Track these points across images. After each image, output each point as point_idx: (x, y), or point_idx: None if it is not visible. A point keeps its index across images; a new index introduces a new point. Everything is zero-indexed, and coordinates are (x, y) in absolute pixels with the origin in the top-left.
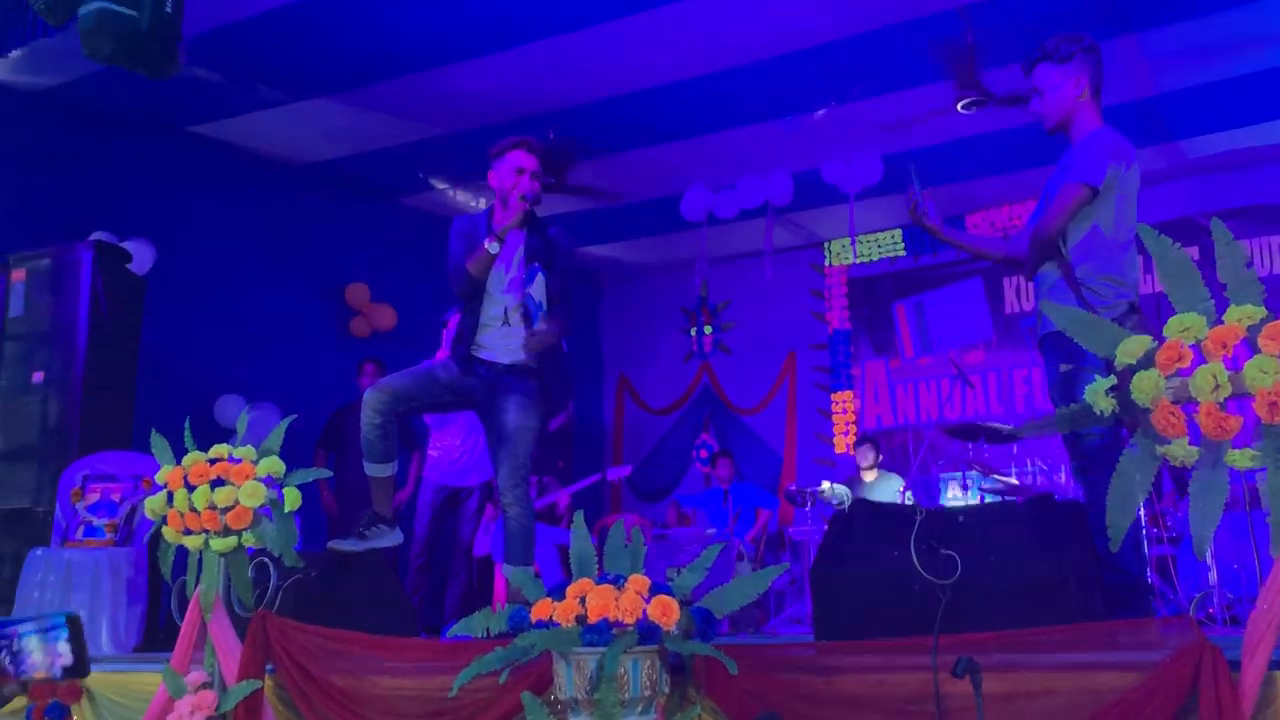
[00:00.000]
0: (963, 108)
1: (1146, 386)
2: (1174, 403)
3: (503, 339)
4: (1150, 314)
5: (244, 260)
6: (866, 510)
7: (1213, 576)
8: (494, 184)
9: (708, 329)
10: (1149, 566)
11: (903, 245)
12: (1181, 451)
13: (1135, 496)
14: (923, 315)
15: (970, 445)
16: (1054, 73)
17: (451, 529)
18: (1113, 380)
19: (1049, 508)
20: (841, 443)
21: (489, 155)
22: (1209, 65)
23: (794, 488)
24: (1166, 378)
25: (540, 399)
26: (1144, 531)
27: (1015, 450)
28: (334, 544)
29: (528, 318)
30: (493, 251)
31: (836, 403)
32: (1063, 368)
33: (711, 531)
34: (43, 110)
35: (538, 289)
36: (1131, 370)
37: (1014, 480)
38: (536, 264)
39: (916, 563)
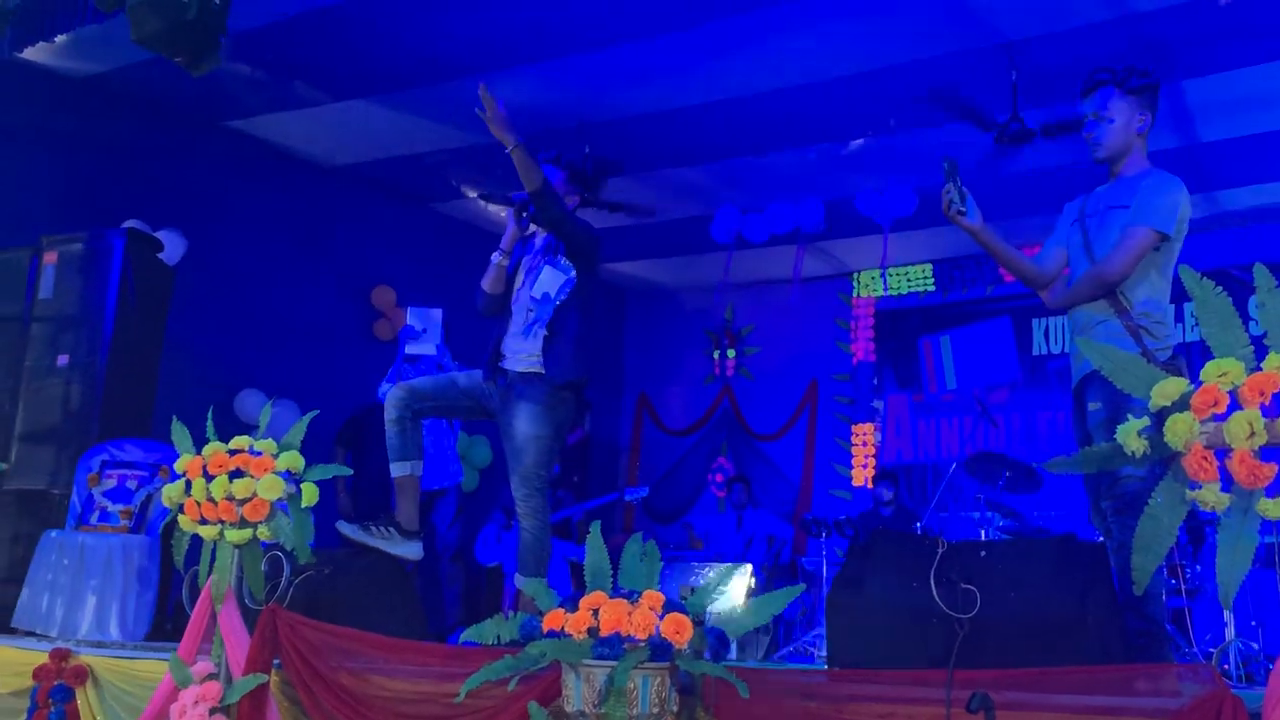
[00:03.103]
0: (1000, 143)
1: (1180, 429)
2: (1207, 447)
3: (520, 345)
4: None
5: (273, 256)
6: (886, 540)
7: (1230, 631)
8: None
9: (730, 352)
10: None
11: (932, 280)
12: (1212, 497)
13: (1163, 540)
14: (949, 352)
15: (990, 485)
16: (1121, 101)
17: (432, 531)
18: (1145, 421)
19: (1071, 547)
20: (859, 475)
21: None
22: (1251, 117)
23: (809, 517)
24: (1201, 422)
25: (550, 407)
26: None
27: (1037, 493)
28: (340, 524)
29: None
30: (496, 262)
31: (857, 434)
32: (1092, 405)
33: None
34: (84, 96)
35: (540, 284)
36: (1166, 412)
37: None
38: (545, 259)
39: (936, 595)
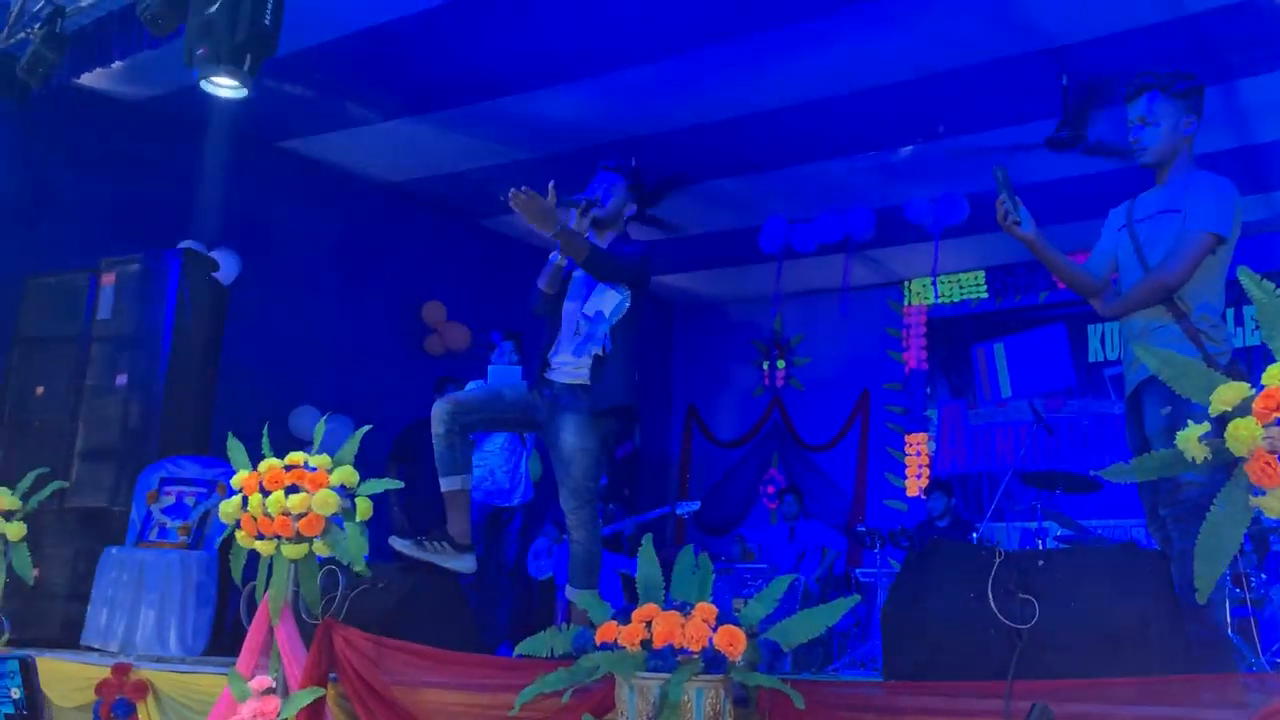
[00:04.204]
0: (1050, 146)
1: (1243, 435)
2: (1270, 453)
3: (568, 358)
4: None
5: (325, 274)
6: (943, 550)
7: None
8: None
9: (780, 363)
10: (1230, 628)
11: (985, 288)
12: (1276, 504)
13: (1226, 548)
14: (1003, 359)
15: (1047, 494)
16: (1167, 105)
17: (496, 548)
18: (1206, 426)
19: (1131, 556)
20: (913, 485)
21: None
22: None
23: (863, 528)
24: (1264, 426)
25: (596, 419)
26: (1226, 589)
27: (1094, 501)
28: (393, 539)
29: (581, 334)
30: (554, 262)
31: (910, 444)
32: (1163, 410)
33: (788, 579)
34: (140, 120)
35: (594, 303)
36: (1227, 417)
37: (1091, 530)
38: (606, 282)
39: (993, 605)
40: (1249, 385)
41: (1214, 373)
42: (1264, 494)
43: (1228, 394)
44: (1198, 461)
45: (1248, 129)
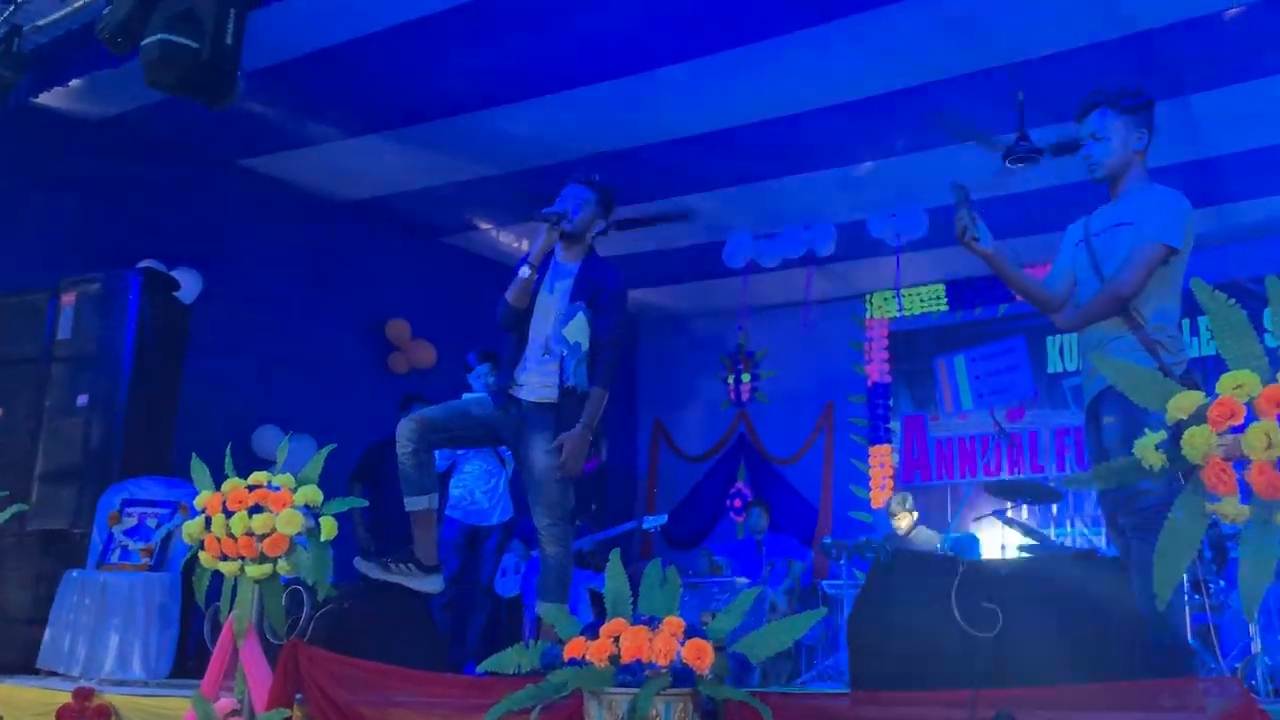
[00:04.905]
0: (1010, 163)
1: (1198, 442)
2: (1225, 460)
3: (537, 376)
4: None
5: (287, 293)
6: (907, 561)
7: (1256, 646)
8: None
9: (746, 377)
10: (1190, 634)
11: (945, 300)
12: (1232, 510)
13: (1184, 554)
14: (964, 371)
15: (1010, 504)
16: (1116, 120)
17: (473, 567)
18: (1162, 435)
19: (1092, 564)
20: (878, 496)
21: None
22: (1260, 129)
23: (828, 540)
24: (1218, 434)
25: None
26: (1186, 596)
27: (1055, 511)
28: (358, 561)
29: (552, 354)
30: (523, 275)
31: (874, 456)
32: (1107, 420)
33: (744, 581)
34: (99, 139)
35: (573, 329)
36: (1183, 426)
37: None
38: (580, 303)
39: (957, 615)
40: (1204, 394)
41: (1169, 382)
42: (1220, 500)
43: (1183, 402)
44: (1155, 469)
45: (1200, 142)
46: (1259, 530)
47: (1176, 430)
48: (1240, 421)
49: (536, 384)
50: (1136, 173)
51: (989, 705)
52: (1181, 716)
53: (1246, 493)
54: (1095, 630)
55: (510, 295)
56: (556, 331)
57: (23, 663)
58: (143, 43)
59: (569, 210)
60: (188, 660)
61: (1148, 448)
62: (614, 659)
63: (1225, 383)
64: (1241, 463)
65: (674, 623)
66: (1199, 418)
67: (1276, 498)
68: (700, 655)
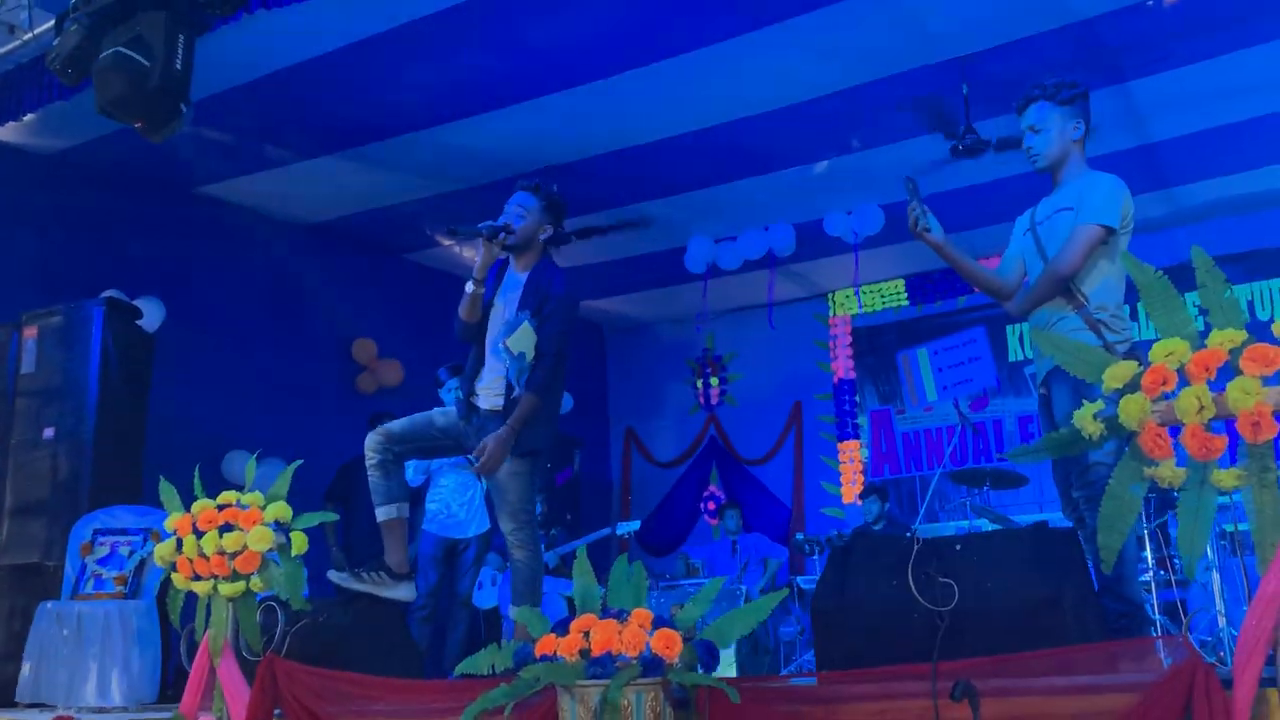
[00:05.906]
0: (956, 155)
1: (1133, 410)
2: (1160, 425)
3: (489, 385)
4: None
5: (251, 317)
6: (864, 542)
7: (1222, 620)
8: None
9: (714, 380)
10: (1158, 610)
11: (906, 295)
12: (1169, 473)
13: (1125, 517)
14: (927, 364)
15: (977, 491)
16: (1054, 113)
17: (451, 580)
18: (1100, 405)
19: (1043, 535)
20: (849, 492)
21: None
22: (1202, 112)
23: (802, 537)
24: (1152, 401)
25: (523, 443)
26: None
27: (1023, 495)
28: (331, 573)
29: (500, 364)
30: (470, 291)
31: (843, 452)
32: (1056, 395)
33: (721, 580)
34: (55, 172)
35: (517, 339)
36: (1120, 394)
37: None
38: (526, 312)
39: (914, 591)
40: (1138, 363)
41: (1105, 354)
42: (1157, 464)
43: (1119, 371)
44: (1094, 438)
45: (1143, 128)
46: (1195, 491)
47: (1116, 399)
48: (1173, 387)
49: (493, 393)
50: (1076, 161)
51: (949, 675)
52: (1132, 676)
53: (1183, 456)
54: (1048, 599)
55: (461, 311)
56: (498, 342)
57: (2, 699)
58: (97, 59)
59: (510, 221)
60: (169, 684)
61: (1086, 417)
62: (584, 653)
63: (1157, 351)
64: (1176, 427)
65: (642, 614)
66: (1134, 386)
67: (1210, 459)
68: (669, 645)
